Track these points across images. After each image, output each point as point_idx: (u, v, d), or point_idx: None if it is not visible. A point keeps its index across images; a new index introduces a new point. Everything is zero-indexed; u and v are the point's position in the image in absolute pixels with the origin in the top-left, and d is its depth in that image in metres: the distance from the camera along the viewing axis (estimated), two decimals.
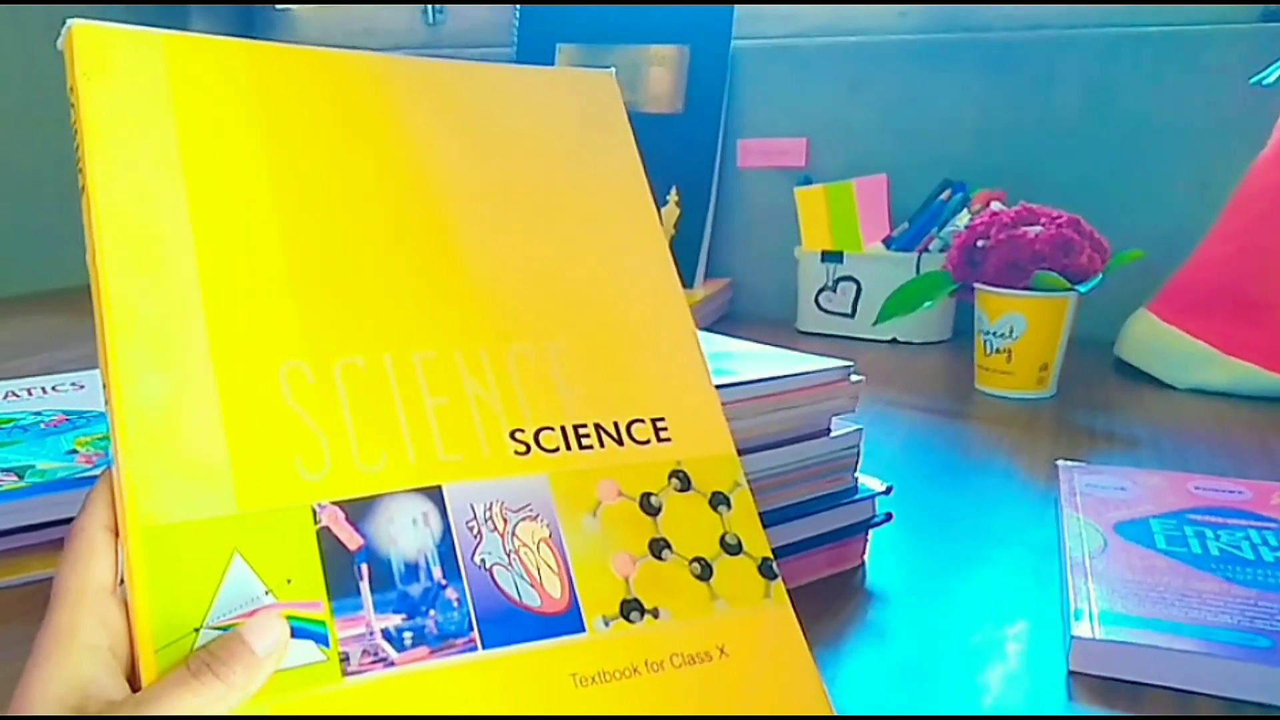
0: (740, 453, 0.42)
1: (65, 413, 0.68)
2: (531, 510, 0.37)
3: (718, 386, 0.43)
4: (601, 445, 0.39)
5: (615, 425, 0.40)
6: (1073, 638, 0.45)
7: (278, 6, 1.64)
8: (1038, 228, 0.91)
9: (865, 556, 0.57)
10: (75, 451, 0.60)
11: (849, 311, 1.19)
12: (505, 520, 0.36)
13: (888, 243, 1.18)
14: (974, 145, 1.21)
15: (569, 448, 0.38)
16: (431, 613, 0.34)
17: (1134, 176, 1.14)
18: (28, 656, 0.30)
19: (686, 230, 1.31)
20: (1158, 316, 1.00)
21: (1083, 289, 0.89)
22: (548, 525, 0.37)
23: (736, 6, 1.31)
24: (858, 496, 0.56)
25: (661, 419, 0.41)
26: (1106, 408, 0.90)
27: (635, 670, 0.35)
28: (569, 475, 0.38)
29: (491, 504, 0.36)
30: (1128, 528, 0.56)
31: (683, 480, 0.40)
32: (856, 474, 0.57)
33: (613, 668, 0.35)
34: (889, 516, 0.57)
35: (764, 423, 0.51)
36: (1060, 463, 0.68)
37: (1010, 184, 1.13)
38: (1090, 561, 0.52)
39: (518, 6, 1.44)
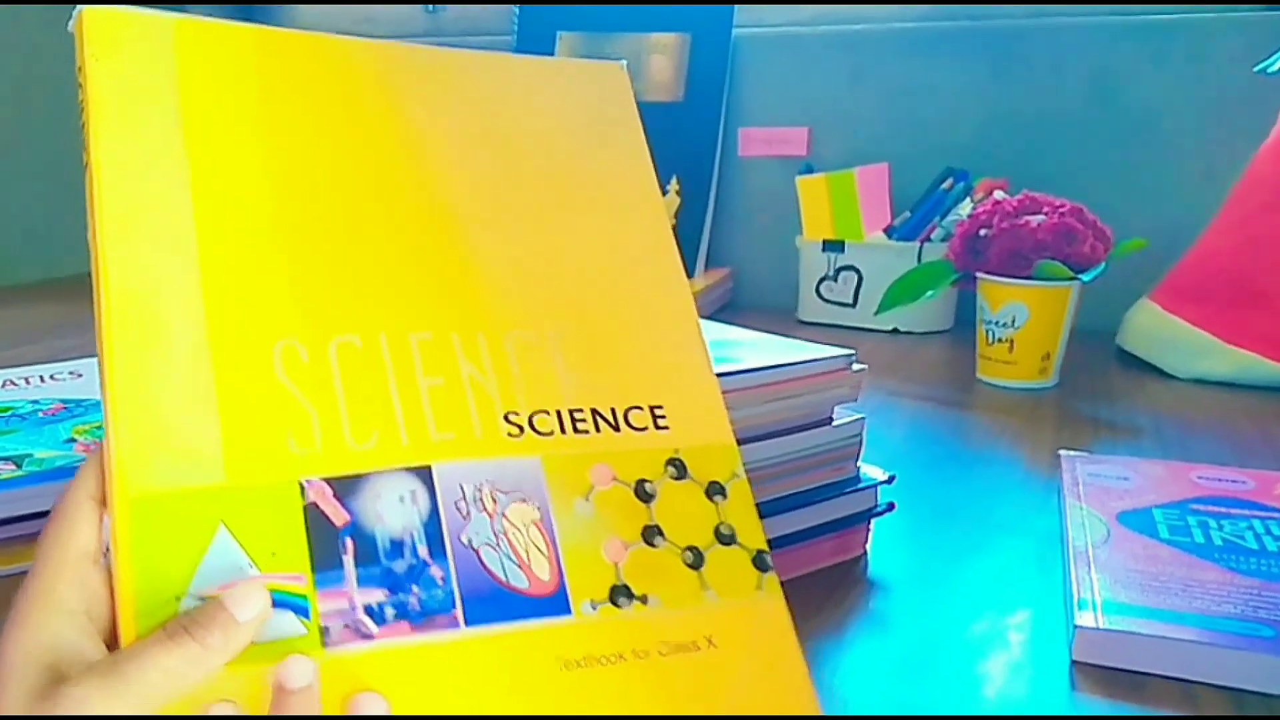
0: (742, 441, 0.41)
1: (63, 401, 0.68)
2: (523, 492, 0.37)
3: (718, 375, 0.43)
4: (597, 431, 0.39)
5: (612, 411, 0.39)
6: (1076, 627, 0.45)
7: None
8: (1040, 216, 0.91)
9: (867, 546, 0.57)
10: (73, 440, 0.60)
11: (850, 301, 1.19)
12: (495, 501, 0.36)
13: (889, 232, 1.17)
14: (976, 134, 1.20)
15: (564, 431, 0.38)
16: (415, 589, 0.34)
17: (1137, 165, 1.14)
18: None
19: (687, 219, 1.30)
20: (1160, 306, 1.00)
21: (1085, 278, 0.89)
22: (539, 508, 0.37)
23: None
24: (860, 486, 0.55)
25: (660, 407, 0.40)
26: (1109, 397, 0.90)
27: (621, 656, 0.35)
28: (562, 459, 0.38)
29: (482, 485, 0.36)
30: (1131, 517, 0.56)
31: (679, 468, 0.40)
32: (858, 463, 0.57)
33: (598, 652, 0.35)
34: (891, 506, 0.57)
35: (766, 411, 0.51)
36: (1063, 452, 0.68)
37: (1013, 172, 1.12)
38: (1093, 551, 0.52)
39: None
